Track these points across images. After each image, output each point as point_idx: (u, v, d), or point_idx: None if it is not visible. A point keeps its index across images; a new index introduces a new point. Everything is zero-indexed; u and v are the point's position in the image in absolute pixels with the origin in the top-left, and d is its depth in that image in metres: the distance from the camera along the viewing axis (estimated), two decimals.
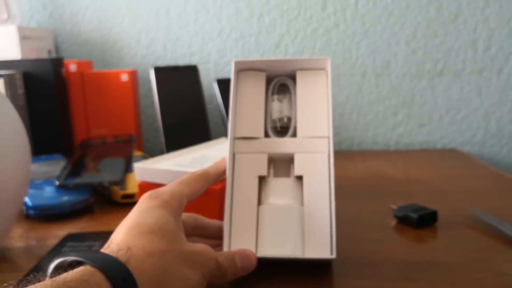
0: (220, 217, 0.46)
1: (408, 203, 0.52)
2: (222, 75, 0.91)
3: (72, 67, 0.79)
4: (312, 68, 0.48)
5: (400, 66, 0.89)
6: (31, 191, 0.56)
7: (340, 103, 0.91)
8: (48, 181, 0.59)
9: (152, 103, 0.92)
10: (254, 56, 0.90)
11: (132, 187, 0.59)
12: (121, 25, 0.91)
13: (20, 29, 0.78)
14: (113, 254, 0.28)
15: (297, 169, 0.41)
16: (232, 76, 0.45)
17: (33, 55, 0.81)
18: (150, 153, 0.90)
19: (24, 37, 0.79)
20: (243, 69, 0.46)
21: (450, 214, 0.51)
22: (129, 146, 0.72)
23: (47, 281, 0.25)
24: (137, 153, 0.75)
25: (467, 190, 0.62)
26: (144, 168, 0.49)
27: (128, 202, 0.57)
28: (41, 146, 0.75)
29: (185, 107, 0.80)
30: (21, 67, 0.74)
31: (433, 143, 0.92)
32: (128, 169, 0.62)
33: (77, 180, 0.58)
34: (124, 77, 0.79)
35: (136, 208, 0.34)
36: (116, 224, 0.50)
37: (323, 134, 0.43)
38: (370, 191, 0.61)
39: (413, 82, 0.90)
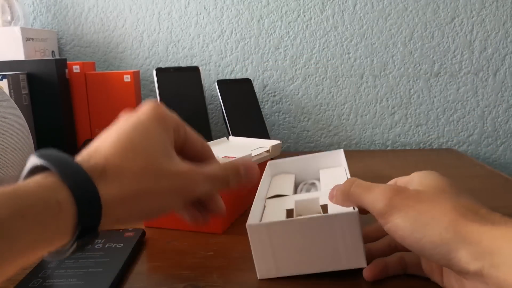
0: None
1: None
2: (223, 76, 0.92)
3: (76, 68, 0.80)
4: (331, 162, 0.52)
5: (397, 67, 0.90)
6: None
7: (338, 103, 0.92)
8: None
9: None
10: (254, 57, 0.91)
11: None
12: (124, 27, 0.92)
13: (24, 30, 0.79)
14: (86, 167, 0.26)
15: (322, 200, 0.42)
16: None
17: (36, 56, 0.83)
18: None
19: (28, 38, 0.80)
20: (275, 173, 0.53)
21: None
22: None
23: (11, 188, 0.23)
24: None
25: (463, 189, 0.63)
26: None
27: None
28: (44, 146, 0.76)
29: (187, 107, 0.81)
30: (25, 68, 0.75)
31: (430, 143, 0.93)
32: None
33: None
34: (127, 78, 0.80)
35: (135, 117, 0.31)
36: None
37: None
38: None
39: (410, 83, 0.91)
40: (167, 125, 0.31)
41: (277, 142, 0.61)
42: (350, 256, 0.36)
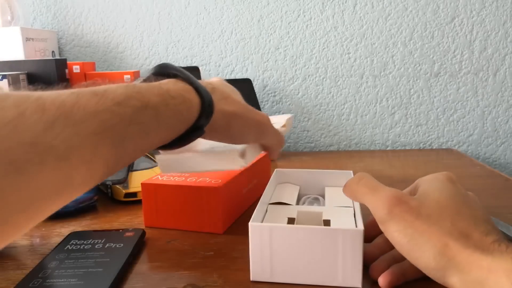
0: (222, 215, 0.47)
1: None
2: (223, 76, 0.92)
3: (76, 68, 0.80)
4: (338, 181, 0.51)
5: (397, 67, 0.90)
6: None
7: (339, 103, 0.92)
8: None
9: None
10: (254, 57, 0.91)
11: (134, 186, 0.60)
12: (124, 27, 0.92)
13: (24, 30, 0.79)
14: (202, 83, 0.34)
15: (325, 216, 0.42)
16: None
17: (36, 56, 0.83)
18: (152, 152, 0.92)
19: (28, 38, 0.80)
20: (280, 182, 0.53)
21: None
22: None
23: (155, 83, 0.31)
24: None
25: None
26: (170, 159, 0.43)
27: (131, 201, 0.59)
28: None
29: None
30: (25, 68, 0.75)
31: (430, 143, 0.93)
32: (130, 168, 0.63)
33: None
34: (127, 78, 0.80)
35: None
36: (119, 223, 0.52)
37: (349, 205, 0.44)
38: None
39: (410, 83, 0.91)
40: None
41: (290, 115, 0.60)
42: (347, 274, 0.36)
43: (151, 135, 0.29)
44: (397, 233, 0.32)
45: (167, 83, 0.32)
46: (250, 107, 0.39)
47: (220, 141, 0.39)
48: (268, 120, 0.41)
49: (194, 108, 0.32)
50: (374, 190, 0.35)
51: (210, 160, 0.41)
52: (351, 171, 0.51)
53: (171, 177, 0.51)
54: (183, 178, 0.50)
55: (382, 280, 0.36)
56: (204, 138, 0.35)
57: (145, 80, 0.34)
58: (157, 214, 0.49)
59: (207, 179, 0.49)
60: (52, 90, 0.25)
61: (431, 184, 0.35)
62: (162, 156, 0.45)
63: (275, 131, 0.43)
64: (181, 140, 0.33)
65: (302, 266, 0.36)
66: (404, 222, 0.32)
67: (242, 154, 0.40)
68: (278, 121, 0.56)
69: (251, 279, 0.38)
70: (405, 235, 0.32)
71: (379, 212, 0.34)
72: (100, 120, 0.25)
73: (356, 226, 0.38)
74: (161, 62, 0.35)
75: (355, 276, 0.36)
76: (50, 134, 0.23)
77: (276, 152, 0.45)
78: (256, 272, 0.37)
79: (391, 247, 0.38)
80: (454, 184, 0.35)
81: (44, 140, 0.22)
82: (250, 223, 0.37)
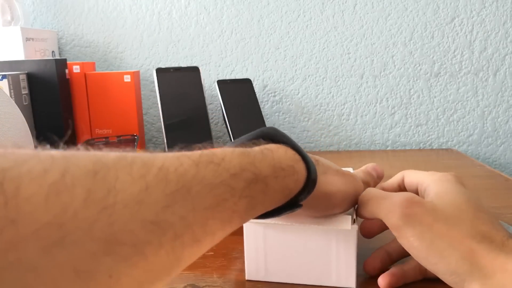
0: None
1: None
2: (223, 76, 0.92)
3: (76, 68, 0.80)
4: None
5: (397, 67, 0.90)
6: None
7: (339, 103, 0.92)
8: None
9: (154, 103, 0.94)
10: (254, 57, 0.91)
11: None
12: (124, 27, 0.92)
13: (24, 30, 0.79)
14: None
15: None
16: None
17: (36, 56, 0.83)
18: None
19: (28, 38, 0.80)
20: None
21: None
22: (132, 146, 0.73)
23: (267, 151, 0.29)
24: (139, 152, 0.76)
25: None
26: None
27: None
28: (44, 146, 0.76)
29: (187, 107, 0.81)
30: (25, 68, 0.76)
31: (430, 143, 0.93)
32: None
33: None
34: (127, 78, 0.81)
35: None
36: None
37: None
38: None
39: (410, 83, 0.91)
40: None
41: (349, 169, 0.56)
42: (341, 274, 0.36)
43: (256, 208, 0.27)
44: (414, 238, 0.30)
45: (278, 151, 0.29)
46: (349, 179, 0.35)
47: (314, 214, 0.35)
48: (360, 185, 0.37)
49: (300, 181, 0.30)
50: (385, 198, 0.33)
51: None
52: (351, 168, 0.51)
53: None
54: None
55: (381, 281, 0.35)
56: (304, 208, 0.31)
57: (253, 140, 0.32)
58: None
59: None
60: (172, 151, 0.23)
61: (442, 186, 0.34)
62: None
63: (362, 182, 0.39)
64: (277, 212, 0.30)
65: (296, 265, 0.36)
66: (421, 226, 0.30)
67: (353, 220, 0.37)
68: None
69: (246, 278, 0.38)
70: (423, 239, 0.30)
71: (391, 218, 0.32)
72: (215, 194, 0.23)
73: (352, 226, 0.36)
74: (267, 127, 0.32)
75: (349, 276, 0.35)
76: (170, 210, 0.20)
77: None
78: (251, 271, 0.37)
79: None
80: (464, 186, 0.34)
81: (165, 217, 0.20)
82: (244, 225, 0.37)
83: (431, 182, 0.35)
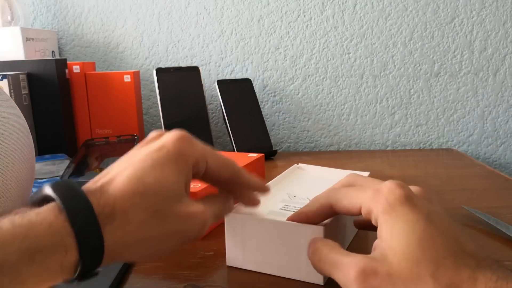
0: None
1: None
2: (223, 76, 0.92)
3: (76, 68, 0.80)
4: None
5: (397, 67, 0.90)
6: (35, 190, 0.57)
7: (339, 103, 0.92)
8: (52, 180, 0.60)
9: (154, 103, 0.94)
10: (254, 57, 0.91)
11: None
12: (124, 27, 0.92)
13: (24, 30, 0.79)
14: (96, 206, 0.26)
15: None
16: None
17: (36, 56, 0.83)
18: None
19: (28, 38, 0.80)
20: None
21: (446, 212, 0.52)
22: (131, 146, 0.73)
23: (10, 218, 0.24)
24: None
25: (463, 189, 0.63)
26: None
27: None
28: (45, 145, 0.77)
29: (187, 107, 0.81)
30: (25, 68, 0.76)
31: (430, 142, 0.93)
32: None
33: (81, 179, 0.59)
34: (127, 78, 0.81)
35: (155, 150, 0.30)
36: None
37: None
38: None
39: (410, 83, 0.91)
40: (186, 164, 0.31)
41: (366, 174, 0.52)
42: (309, 269, 0.35)
43: None
44: None
45: (41, 224, 0.24)
46: (172, 214, 0.29)
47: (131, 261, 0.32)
48: (195, 221, 0.30)
49: (73, 255, 0.25)
50: (334, 265, 0.30)
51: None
52: (367, 172, 0.51)
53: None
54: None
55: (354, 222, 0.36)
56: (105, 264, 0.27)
57: (38, 203, 0.27)
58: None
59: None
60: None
61: (389, 225, 0.29)
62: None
63: (214, 215, 0.33)
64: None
65: (270, 257, 0.38)
66: None
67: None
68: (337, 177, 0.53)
69: (226, 264, 0.40)
70: None
71: None
72: None
73: (320, 224, 0.36)
74: (61, 180, 0.27)
75: (317, 273, 0.36)
76: None
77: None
78: (231, 258, 0.40)
79: None
80: (412, 205, 0.29)
81: None
82: (225, 216, 0.39)
83: (377, 216, 0.30)
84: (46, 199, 0.26)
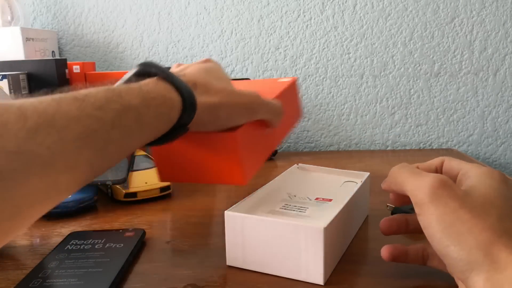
0: (239, 163, 0.39)
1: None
2: None
3: (76, 68, 0.80)
4: None
5: (397, 67, 0.90)
6: None
7: (339, 103, 0.92)
8: None
9: None
10: (254, 57, 0.91)
11: (134, 186, 0.60)
12: (124, 27, 0.92)
13: (24, 30, 0.79)
14: (183, 79, 0.34)
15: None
16: None
17: (36, 56, 0.83)
18: None
19: (28, 38, 0.80)
20: None
21: None
22: None
23: (135, 85, 0.31)
24: (139, 152, 0.76)
25: None
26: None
27: (131, 201, 0.59)
28: None
29: None
30: (25, 68, 0.76)
31: (430, 143, 0.93)
32: (130, 168, 0.63)
33: None
34: None
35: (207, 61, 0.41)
36: (119, 223, 0.52)
37: None
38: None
39: (410, 83, 0.91)
40: None
41: (366, 174, 0.53)
42: (309, 269, 0.37)
43: (134, 137, 0.30)
44: (434, 217, 0.30)
45: (148, 84, 0.32)
46: (235, 91, 0.38)
47: (209, 130, 0.38)
48: (257, 98, 0.39)
49: (176, 107, 0.32)
50: (417, 174, 0.33)
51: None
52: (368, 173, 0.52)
53: None
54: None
55: (384, 250, 0.37)
56: (192, 130, 0.36)
57: (126, 82, 0.34)
58: (172, 169, 0.43)
59: None
60: (35, 96, 0.26)
61: (483, 180, 0.33)
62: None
63: (269, 105, 0.41)
64: (166, 137, 0.34)
65: (270, 257, 0.38)
66: (445, 208, 0.30)
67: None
68: (350, 178, 0.53)
69: (226, 264, 0.40)
70: (442, 221, 0.30)
71: (419, 193, 0.31)
72: (83, 126, 0.26)
73: (321, 224, 0.36)
74: (143, 61, 0.35)
75: (317, 273, 0.37)
76: (33, 141, 0.23)
77: (275, 122, 0.43)
78: (231, 258, 0.40)
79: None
80: (508, 186, 0.33)
81: (28, 148, 0.23)
82: (225, 212, 0.39)
83: (474, 174, 0.33)
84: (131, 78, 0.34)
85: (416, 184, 0.32)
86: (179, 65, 0.41)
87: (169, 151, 0.42)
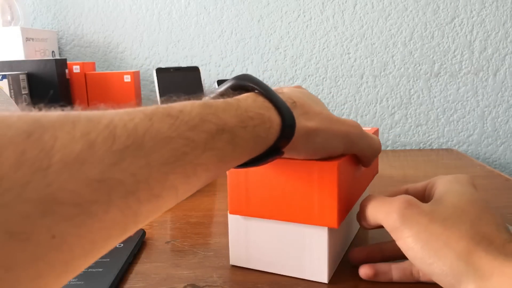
0: (336, 199, 0.35)
1: None
2: (223, 76, 0.92)
3: (76, 68, 0.80)
4: None
5: (397, 67, 0.90)
6: None
7: (339, 103, 0.92)
8: None
9: (154, 103, 0.93)
10: (254, 57, 0.91)
11: None
12: (124, 27, 0.92)
13: (24, 30, 0.79)
14: (281, 97, 0.30)
15: None
16: None
17: (36, 56, 0.83)
18: None
19: (28, 38, 0.80)
20: None
21: None
22: None
23: (233, 101, 0.28)
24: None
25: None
26: None
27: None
28: None
29: None
30: (25, 68, 0.76)
31: (430, 143, 0.93)
32: None
33: None
34: (127, 78, 0.81)
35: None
36: None
37: None
38: (367, 191, 0.62)
39: (410, 83, 0.91)
40: None
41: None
42: (314, 269, 0.37)
43: (225, 161, 0.26)
44: (410, 239, 0.30)
45: (246, 100, 0.28)
46: (335, 118, 0.34)
47: (302, 158, 0.35)
48: (358, 128, 0.35)
49: (274, 128, 0.29)
50: (383, 202, 0.34)
51: None
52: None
53: None
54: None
55: (361, 269, 0.37)
56: (284, 157, 0.32)
57: (222, 94, 0.31)
58: (248, 200, 0.38)
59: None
60: (124, 106, 0.23)
61: (450, 187, 0.33)
62: None
63: (368, 138, 0.37)
64: (258, 161, 0.30)
65: (274, 256, 0.39)
66: (418, 226, 0.30)
67: None
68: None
69: (230, 263, 0.41)
70: (418, 239, 0.30)
71: (389, 220, 0.32)
72: (173, 148, 0.22)
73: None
74: (240, 74, 0.31)
75: (322, 272, 0.37)
76: (118, 167, 0.20)
77: (370, 160, 0.39)
78: (234, 257, 0.40)
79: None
80: (475, 188, 0.33)
81: (112, 175, 0.19)
82: (229, 214, 0.39)
83: (440, 183, 0.34)
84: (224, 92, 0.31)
85: (385, 212, 0.33)
86: None
87: (249, 179, 0.38)
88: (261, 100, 0.29)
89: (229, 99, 0.28)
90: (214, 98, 0.29)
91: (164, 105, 0.24)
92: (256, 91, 0.30)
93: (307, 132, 0.31)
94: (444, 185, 0.34)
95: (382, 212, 0.33)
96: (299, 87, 0.37)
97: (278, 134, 0.29)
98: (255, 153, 0.29)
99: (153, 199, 0.22)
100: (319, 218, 0.35)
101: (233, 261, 0.40)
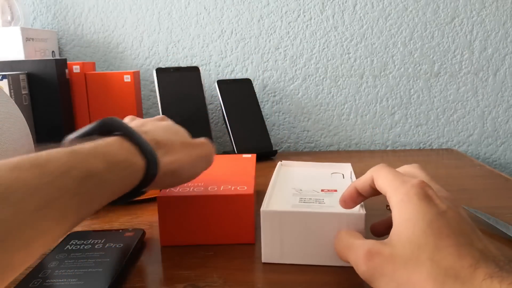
0: (252, 222, 0.44)
1: None
2: (223, 76, 0.92)
3: (76, 68, 0.80)
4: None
5: (397, 67, 0.90)
6: None
7: (339, 103, 0.92)
8: None
9: (154, 103, 0.94)
10: (254, 57, 0.91)
11: None
12: (124, 27, 0.92)
13: (24, 30, 0.79)
14: (146, 139, 0.34)
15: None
16: None
17: (36, 56, 0.83)
18: None
19: (28, 38, 0.80)
20: None
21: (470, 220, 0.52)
22: None
23: (101, 147, 0.30)
24: None
25: (463, 189, 0.63)
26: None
27: (131, 201, 0.59)
28: (44, 146, 0.76)
29: (187, 107, 0.81)
30: (25, 68, 0.75)
31: (430, 143, 0.93)
32: None
33: None
34: (127, 78, 0.81)
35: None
36: (119, 223, 0.52)
37: None
38: None
39: (410, 83, 0.91)
40: None
41: (348, 164, 0.54)
42: None
43: (93, 203, 0.29)
44: None
45: (113, 145, 0.31)
46: (192, 143, 0.39)
47: (166, 188, 0.41)
48: (209, 144, 0.41)
49: (139, 172, 0.32)
50: (350, 248, 0.33)
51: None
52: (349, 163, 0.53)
53: (188, 188, 0.46)
54: (202, 188, 0.46)
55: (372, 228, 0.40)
56: (150, 189, 0.35)
57: (88, 135, 0.33)
58: (177, 231, 0.45)
59: (229, 186, 0.46)
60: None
61: (402, 213, 0.31)
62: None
63: (208, 150, 0.42)
64: (121, 200, 0.33)
65: (310, 247, 0.39)
66: (384, 277, 0.29)
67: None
68: (337, 170, 0.53)
69: (262, 261, 0.40)
70: None
71: (359, 269, 0.31)
72: (41, 196, 0.24)
73: (361, 210, 0.39)
74: (107, 117, 0.34)
75: None
76: None
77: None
78: (267, 254, 0.40)
79: None
80: (429, 200, 0.31)
81: None
82: (261, 210, 0.39)
83: (394, 204, 0.32)
84: (90, 133, 0.33)
85: (354, 261, 0.32)
86: (133, 118, 0.40)
87: (177, 215, 0.44)
88: (127, 145, 0.32)
89: (97, 145, 0.30)
90: (80, 140, 0.32)
91: (32, 155, 0.26)
92: (122, 135, 0.33)
93: (172, 170, 0.35)
94: (400, 208, 0.31)
95: (352, 260, 0.33)
96: (163, 118, 0.42)
97: (142, 177, 0.33)
98: (120, 194, 0.32)
99: (26, 246, 0.23)
100: (238, 237, 0.44)
101: (266, 258, 0.40)
